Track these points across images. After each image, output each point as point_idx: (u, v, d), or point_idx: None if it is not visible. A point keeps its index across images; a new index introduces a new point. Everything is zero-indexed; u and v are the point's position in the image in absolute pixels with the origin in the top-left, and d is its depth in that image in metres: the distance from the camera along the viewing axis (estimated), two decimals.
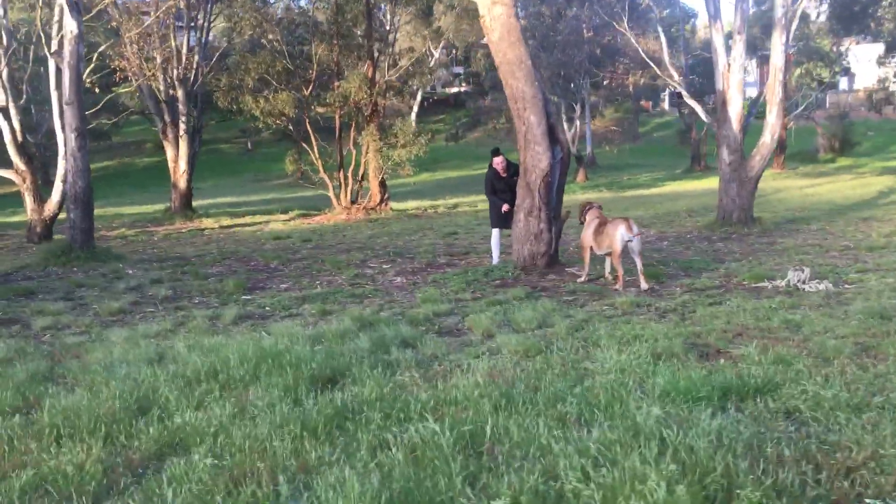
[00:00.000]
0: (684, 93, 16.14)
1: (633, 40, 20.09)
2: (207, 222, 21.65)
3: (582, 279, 9.01)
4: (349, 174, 22.80)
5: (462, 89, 59.17)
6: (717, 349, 5.38)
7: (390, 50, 25.17)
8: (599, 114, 45.10)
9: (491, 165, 10.61)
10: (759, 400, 4.06)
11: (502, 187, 10.48)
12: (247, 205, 28.10)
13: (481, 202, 25.95)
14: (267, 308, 8.07)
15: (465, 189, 32.39)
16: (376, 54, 23.20)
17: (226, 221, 21.79)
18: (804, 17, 33.95)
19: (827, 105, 48.55)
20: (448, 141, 44.23)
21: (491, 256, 10.80)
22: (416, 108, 45.89)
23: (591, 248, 8.96)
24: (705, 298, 7.45)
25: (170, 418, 3.98)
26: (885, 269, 8.88)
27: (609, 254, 8.75)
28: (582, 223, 9.43)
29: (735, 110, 14.49)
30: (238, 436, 3.63)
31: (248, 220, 22.29)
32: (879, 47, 40.42)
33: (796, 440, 3.42)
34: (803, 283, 7.95)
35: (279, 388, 4.37)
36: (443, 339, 6.05)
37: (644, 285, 8.30)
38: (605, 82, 41.59)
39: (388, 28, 25.82)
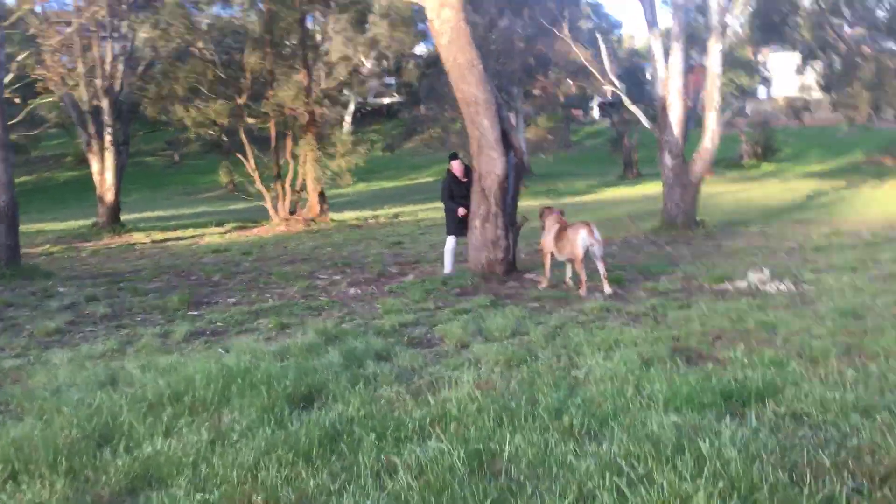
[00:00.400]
0: (626, 99, 16.30)
1: (573, 47, 20.23)
2: (138, 237, 20.73)
3: (543, 285, 8.85)
4: (287, 185, 22.24)
5: (394, 99, 58.92)
6: (700, 353, 5.27)
7: (325, 59, 24.74)
8: (533, 123, 45.43)
9: (449, 170, 10.38)
10: (762, 405, 3.93)
11: (461, 193, 10.25)
12: (177, 218, 27.09)
13: (421, 211, 25.81)
14: (218, 323, 7.61)
15: (402, 199, 32.12)
16: (311, 63, 22.74)
17: (158, 235, 20.91)
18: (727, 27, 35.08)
19: (748, 113, 50.28)
20: (384, 151, 43.86)
21: (443, 265, 10.54)
22: (348, 119, 45.40)
23: (552, 254, 8.82)
24: (672, 302, 7.37)
25: (138, 447, 3.57)
26: (838, 269, 9.02)
27: (570, 259, 8.63)
28: (542, 228, 9.31)
29: (676, 116, 14.68)
30: (220, 465, 3.27)
31: (180, 233, 21.46)
32: (796, 56, 42.09)
33: (816, 446, 3.28)
34: (764, 283, 7.99)
35: (255, 409, 4.01)
36: (416, 350, 5.76)
37: (608, 290, 8.19)
38: (535, 92, 42.06)
39: (321, 37, 25.37)
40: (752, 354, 4.92)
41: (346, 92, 26.33)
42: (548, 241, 8.81)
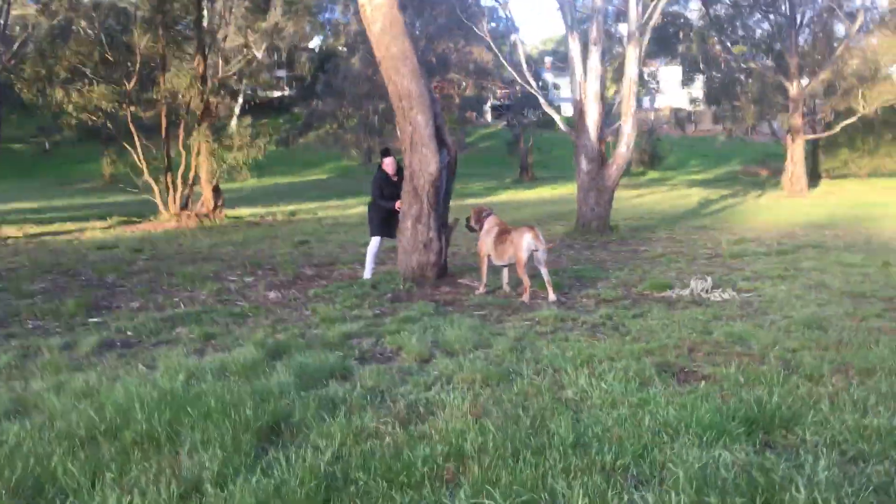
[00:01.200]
0: (543, 101, 16.14)
1: (488, 46, 19.96)
2: (9, 230, 18.76)
3: (480, 291, 8.42)
4: (178, 178, 20.80)
5: (285, 93, 57.21)
6: (684, 369, 4.97)
7: (222, 45, 23.37)
8: None
9: (380, 167, 9.76)
10: (789, 432, 3.62)
11: (392, 192, 9.66)
12: (52, 210, 24.89)
13: (321, 209, 24.92)
14: (129, 333, 6.70)
15: (297, 196, 31.00)
16: (207, 49, 21.40)
17: (32, 229, 19.01)
18: (617, 39, 36.02)
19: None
20: (278, 146, 42.31)
21: (364, 268, 9.92)
22: (237, 111, 43.51)
23: (489, 258, 8.41)
24: (624, 311, 7.10)
25: None
26: (767, 277, 9.08)
27: (509, 264, 8.25)
28: (471, 230, 8.87)
29: (592, 120, 14.66)
30: None
31: (58, 227, 19.60)
32: (678, 70, 43.86)
33: (887, 484, 2.97)
34: (707, 292, 7.88)
35: (219, 446, 3.33)
36: (373, 366, 5.17)
37: (552, 297, 7.86)
38: (438, 89, 41.78)
39: (218, 22, 23.97)
40: (744, 371, 4.65)
41: (242, 82, 24.92)
42: (486, 244, 8.38)
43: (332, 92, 33.69)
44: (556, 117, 15.79)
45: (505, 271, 8.64)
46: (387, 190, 9.67)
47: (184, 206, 20.73)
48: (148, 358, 5.57)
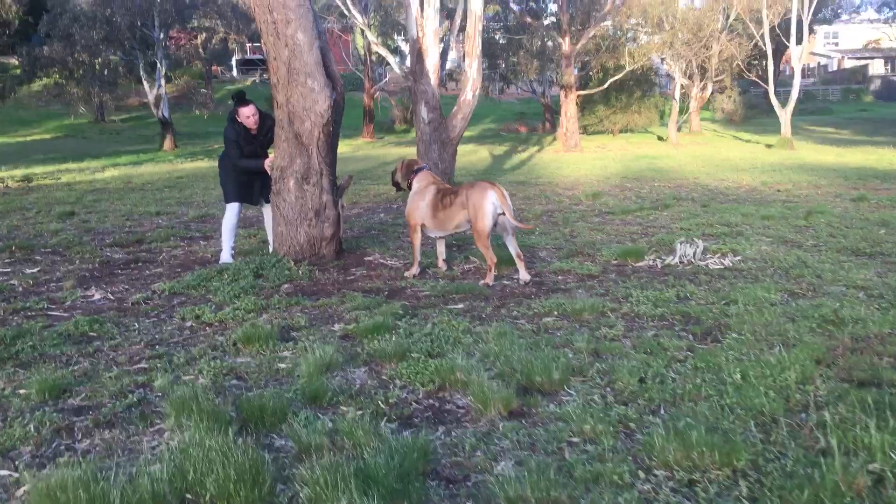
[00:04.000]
0: (373, 40, 13.78)
1: None
2: None
3: (413, 272, 6.23)
4: None
5: None
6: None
7: None
8: (173, 77, 39.92)
9: (234, 119, 6.94)
10: None
11: (252, 151, 6.98)
12: None
13: (62, 174, 20.20)
14: None
15: (21, 159, 25.20)
16: None
17: None
18: None
19: (387, 78, 50.85)
20: None
21: (221, 247, 7.21)
22: None
23: (423, 228, 6.22)
24: (640, 290, 5.36)
25: None
26: (713, 235, 7.87)
27: (454, 233, 6.17)
28: (398, 189, 6.65)
29: (433, 63, 12.77)
30: None
31: None
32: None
33: None
34: (699, 258, 6.43)
35: None
36: (441, 434, 2.90)
37: (525, 275, 5.92)
38: (175, 43, 36.79)
39: None
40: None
41: None
42: (419, 208, 6.17)
43: (58, 36, 27.78)
44: (391, 59, 13.59)
45: (440, 242, 6.52)
46: (247, 147, 6.96)
47: None
48: None
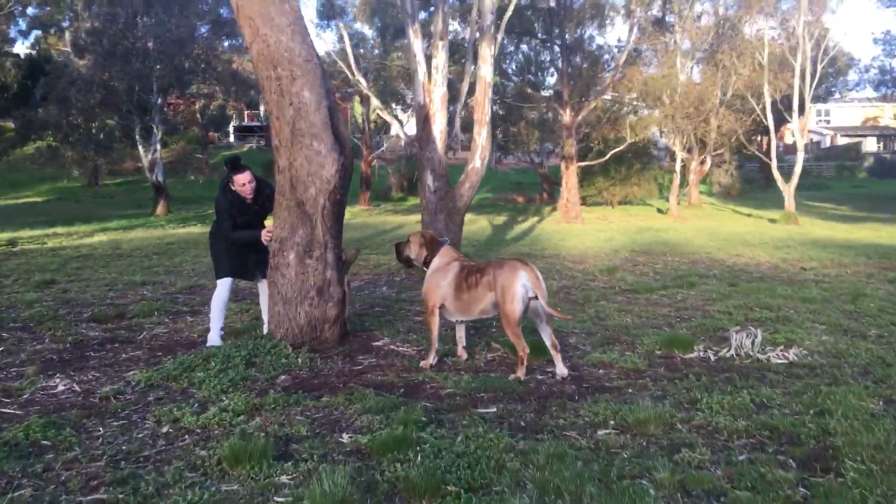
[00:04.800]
0: (378, 105, 13.26)
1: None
2: None
3: (429, 361, 5.40)
4: None
5: None
6: None
7: None
8: (170, 141, 39.63)
9: (227, 187, 6.21)
10: None
11: (246, 221, 6.23)
12: None
13: (49, 238, 19.39)
14: None
15: (6, 222, 24.44)
16: None
17: None
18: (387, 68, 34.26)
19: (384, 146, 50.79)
20: None
21: (210, 327, 6.36)
22: None
23: (443, 311, 5.42)
24: (685, 390, 4.54)
25: None
26: (756, 320, 7.10)
27: (478, 318, 5.37)
28: (409, 265, 5.88)
29: (439, 129, 12.17)
30: None
31: None
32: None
33: None
34: (758, 350, 5.63)
35: None
36: None
37: (562, 370, 5.10)
38: (172, 108, 36.63)
39: None
40: None
41: None
42: (440, 289, 5.38)
43: (55, 99, 27.45)
44: (395, 124, 13.02)
45: (461, 327, 5.71)
46: (241, 218, 6.21)
47: None
48: None
